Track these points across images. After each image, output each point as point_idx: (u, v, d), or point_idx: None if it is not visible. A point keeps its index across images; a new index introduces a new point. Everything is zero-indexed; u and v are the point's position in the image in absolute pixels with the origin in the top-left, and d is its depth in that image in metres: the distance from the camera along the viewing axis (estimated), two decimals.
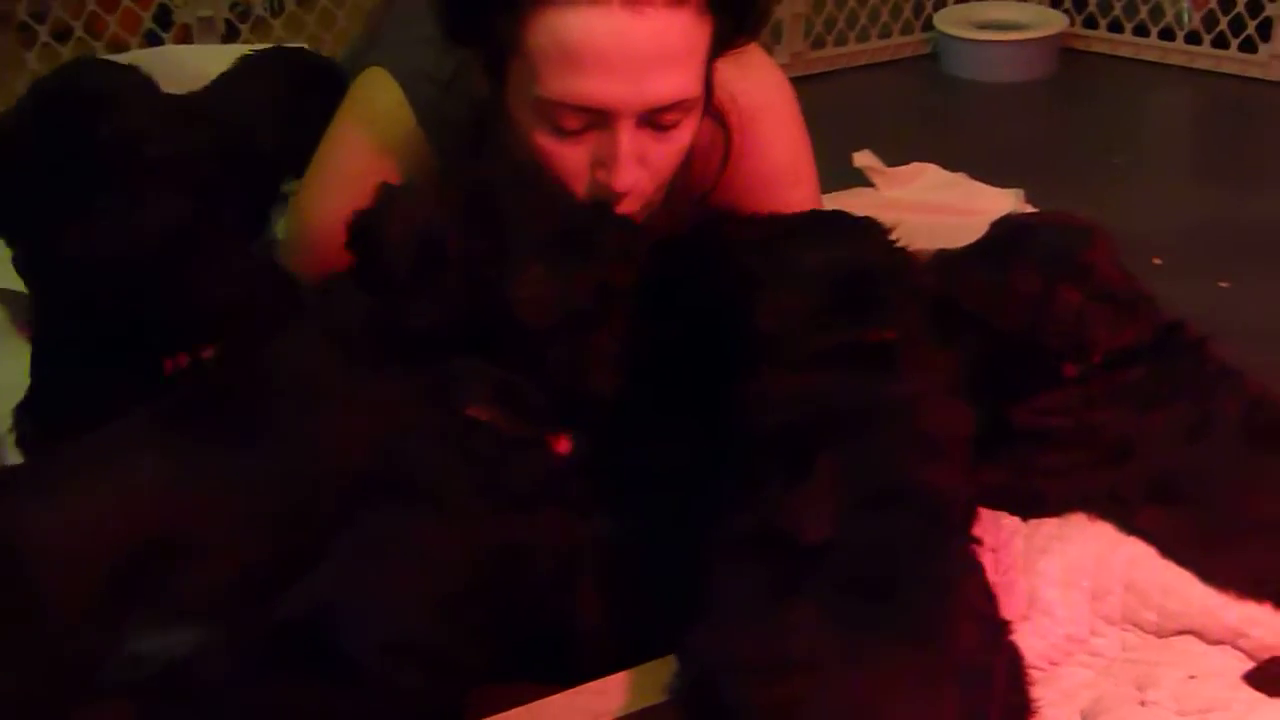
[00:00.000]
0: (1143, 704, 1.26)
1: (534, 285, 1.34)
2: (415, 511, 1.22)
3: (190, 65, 2.04)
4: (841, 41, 3.70)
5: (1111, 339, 1.39)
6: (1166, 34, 3.64)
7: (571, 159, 1.46)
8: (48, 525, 1.22)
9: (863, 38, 3.74)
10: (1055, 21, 3.68)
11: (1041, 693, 1.20)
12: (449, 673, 1.19)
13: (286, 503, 1.28)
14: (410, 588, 1.18)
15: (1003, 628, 1.14)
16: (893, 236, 1.38)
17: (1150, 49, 3.67)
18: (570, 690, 1.24)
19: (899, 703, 1.01)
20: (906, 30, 3.79)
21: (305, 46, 2.28)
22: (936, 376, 1.27)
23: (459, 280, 1.34)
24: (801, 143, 1.79)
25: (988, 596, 1.14)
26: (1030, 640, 1.29)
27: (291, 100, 1.91)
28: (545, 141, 1.46)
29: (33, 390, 1.59)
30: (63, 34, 2.96)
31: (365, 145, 1.68)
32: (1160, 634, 1.33)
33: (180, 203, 1.52)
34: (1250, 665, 1.30)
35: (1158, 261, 2.46)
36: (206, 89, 1.91)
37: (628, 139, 1.43)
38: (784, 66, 2.49)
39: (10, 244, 1.59)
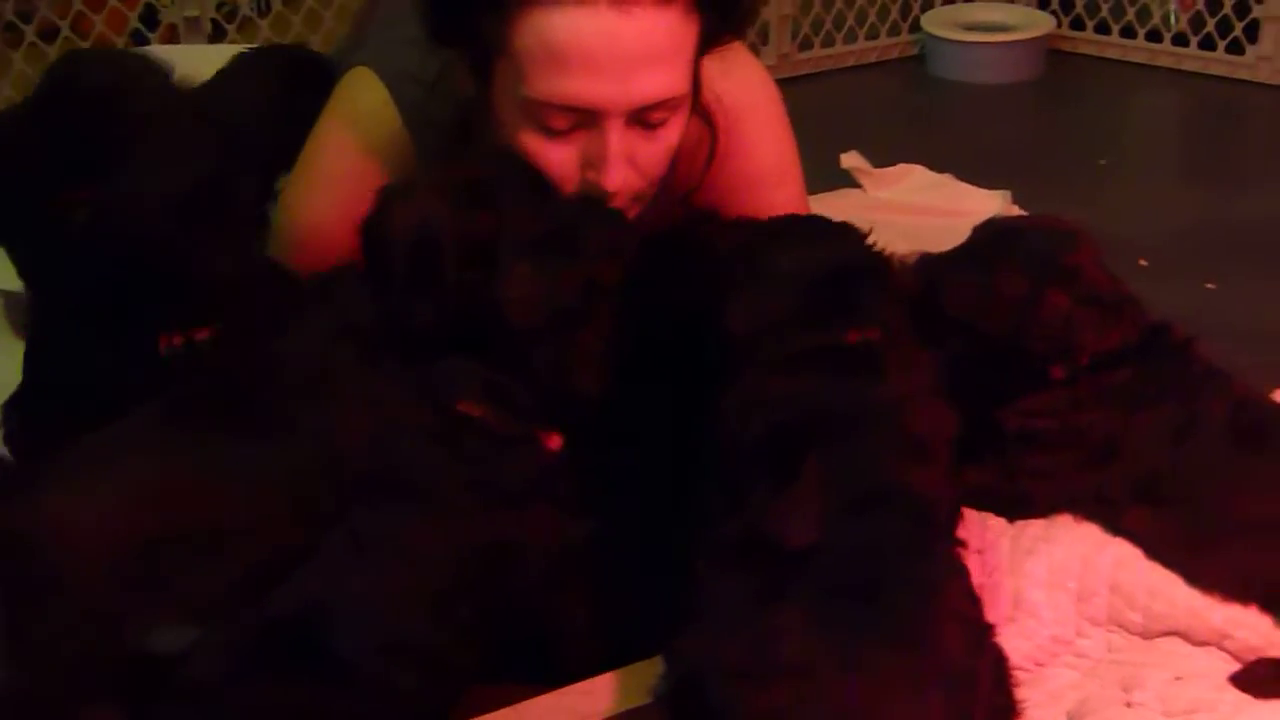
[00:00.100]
0: (1128, 705, 1.26)
1: (521, 284, 1.34)
2: (406, 509, 1.22)
3: (176, 66, 2.04)
4: (828, 43, 3.71)
5: (1098, 342, 1.39)
6: (1154, 36, 3.65)
7: (560, 159, 1.46)
8: (64, 517, 1.21)
9: (850, 39, 3.74)
10: (1042, 23, 3.69)
11: (1027, 694, 1.20)
12: (440, 672, 1.19)
13: (296, 498, 1.28)
14: (401, 586, 1.18)
15: (988, 630, 1.14)
16: (870, 240, 1.38)
17: (1137, 51, 3.68)
18: (556, 691, 1.24)
19: (885, 706, 1.01)
20: (893, 32, 3.80)
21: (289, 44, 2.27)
22: (920, 377, 1.27)
23: (452, 278, 1.34)
24: (787, 143, 1.79)
25: (972, 599, 1.14)
26: (1016, 642, 1.29)
27: (286, 98, 1.90)
28: (533, 142, 1.46)
29: (24, 388, 1.58)
30: (49, 34, 2.96)
31: (350, 145, 1.67)
32: (1146, 635, 1.34)
33: (182, 173, 1.52)
34: (1236, 667, 1.30)
35: (1144, 263, 2.46)
36: (202, 87, 1.91)
37: (617, 138, 1.43)
38: (771, 68, 2.49)
39: (14, 233, 1.59)
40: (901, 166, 2.82)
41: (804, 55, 3.67)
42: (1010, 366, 1.41)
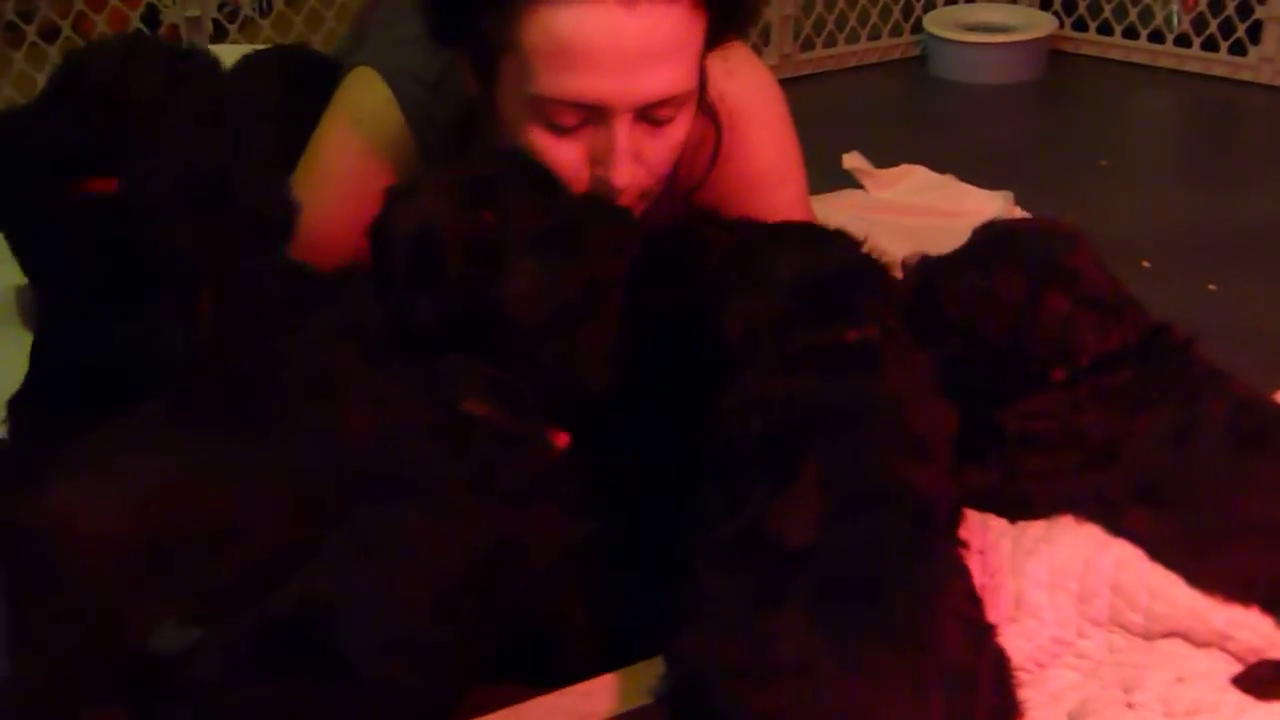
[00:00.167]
0: (1130, 706, 1.26)
1: (525, 280, 1.34)
2: (410, 507, 1.22)
3: None
4: (830, 43, 3.70)
5: (1098, 344, 1.39)
6: (1156, 37, 3.65)
7: (568, 156, 1.46)
8: (68, 514, 1.22)
9: (852, 40, 3.74)
10: (1044, 24, 3.69)
11: (1028, 695, 1.20)
12: (443, 671, 1.18)
13: (298, 497, 1.28)
14: (405, 585, 1.18)
15: (988, 630, 1.14)
16: (865, 245, 1.38)
17: (1140, 51, 3.68)
18: (556, 691, 1.24)
19: (885, 706, 1.01)
20: (895, 32, 3.80)
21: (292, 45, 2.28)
22: (919, 376, 1.27)
23: (456, 277, 1.34)
24: (789, 143, 1.79)
25: (973, 600, 1.14)
26: (1017, 642, 1.29)
27: (291, 99, 1.91)
28: (540, 139, 1.45)
29: (30, 383, 1.59)
30: (50, 34, 2.96)
31: (353, 145, 1.67)
32: (1147, 636, 1.33)
33: (213, 135, 1.53)
34: (1238, 668, 1.30)
35: (1146, 264, 2.46)
36: None
37: (624, 135, 1.43)
38: (773, 68, 2.49)
39: (22, 223, 1.60)
40: (903, 167, 2.82)
41: (806, 56, 3.67)
42: (1010, 368, 1.41)
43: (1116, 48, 3.72)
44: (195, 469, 1.27)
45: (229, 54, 1.99)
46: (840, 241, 1.40)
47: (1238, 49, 3.52)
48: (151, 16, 3.12)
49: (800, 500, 1.13)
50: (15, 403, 1.58)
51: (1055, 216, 1.57)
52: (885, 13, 3.78)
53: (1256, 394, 1.42)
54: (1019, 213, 2.55)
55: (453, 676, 1.20)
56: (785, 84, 1.83)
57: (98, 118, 1.53)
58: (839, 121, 3.20)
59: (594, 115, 1.43)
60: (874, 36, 3.77)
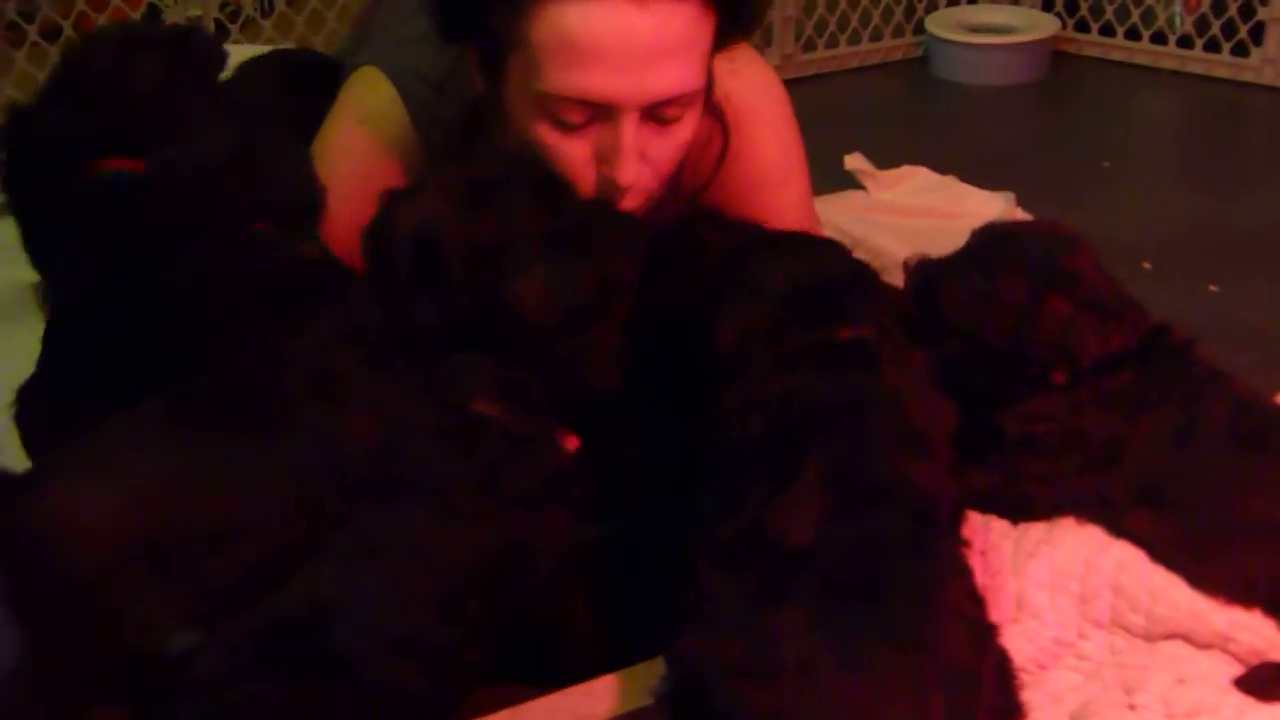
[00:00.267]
0: (1131, 708, 1.26)
1: (535, 281, 1.34)
2: (417, 507, 1.22)
3: None
4: (832, 44, 3.70)
5: (1099, 347, 1.39)
6: (1158, 38, 3.65)
7: (574, 154, 1.46)
8: (68, 514, 1.22)
9: (853, 40, 3.74)
10: (1047, 25, 3.69)
11: (1030, 696, 1.20)
12: (448, 672, 1.18)
13: (299, 497, 1.28)
14: (411, 585, 1.18)
15: (991, 630, 1.14)
16: (855, 251, 1.40)
17: (1142, 53, 3.68)
18: (558, 692, 1.24)
19: (886, 706, 1.01)
20: (897, 33, 3.80)
21: (294, 47, 2.28)
22: (916, 372, 1.27)
23: (460, 278, 1.34)
24: (793, 143, 1.79)
25: (976, 599, 1.14)
26: (1018, 644, 1.29)
27: (292, 100, 1.91)
28: (547, 136, 1.45)
29: (39, 373, 1.60)
30: (52, 33, 2.96)
31: (358, 144, 1.67)
32: (1149, 638, 1.33)
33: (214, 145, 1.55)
34: (1239, 669, 1.30)
35: (1148, 266, 2.46)
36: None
37: (631, 133, 1.43)
38: (774, 69, 2.49)
39: (35, 210, 1.61)
40: (905, 168, 2.82)
41: (807, 56, 3.67)
42: (1010, 371, 1.41)
43: (1119, 49, 3.72)
44: (196, 468, 1.27)
45: (230, 54, 2.00)
46: (832, 250, 1.41)
47: (1240, 50, 3.52)
48: (153, 16, 3.12)
49: (801, 499, 1.13)
50: (25, 392, 1.59)
51: (1056, 218, 1.57)
52: (887, 14, 3.78)
53: (1257, 395, 1.42)
54: (1021, 214, 2.56)
55: (456, 677, 1.20)
56: (787, 85, 1.83)
57: (99, 104, 1.55)
58: (840, 122, 3.20)
59: (601, 113, 1.42)
60: (876, 37, 3.77)
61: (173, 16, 3.09)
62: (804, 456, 1.16)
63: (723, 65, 1.55)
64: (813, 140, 1.83)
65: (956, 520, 1.21)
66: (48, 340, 1.62)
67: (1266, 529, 1.32)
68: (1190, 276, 2.44)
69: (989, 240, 1.47)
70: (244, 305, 1.49)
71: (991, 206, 2.58)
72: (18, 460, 1.56)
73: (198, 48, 1.65)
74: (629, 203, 1.48)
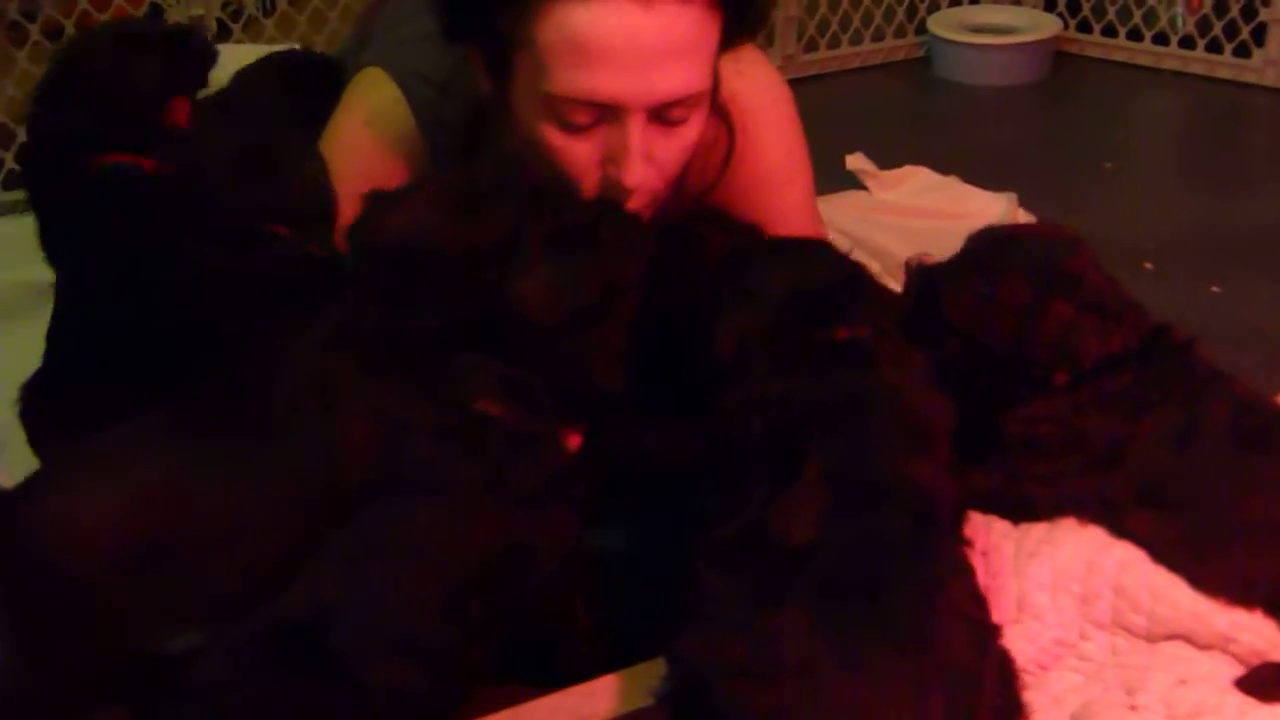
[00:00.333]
0: (1132, 708, 1.26)
1: (538, 282, 1.34)
2: (421, 507, 1.22)
3: None
4: (834, 44, 3.70)
5: (1101, 348, 1.39)
6: (1160, 38, 3.65)
7: (580, 155, 1.46)
8: (68, 518, 1.22)
9: (855, 41, 3.74)
10: (1048, 25, 3.68)
11: (1031, 697, 1.20)
12: (450, 673, 1.18)
13: (298, 500, 1.28)
14: (414, 585, 1.18)
15: (993, 630, 1.14)
16: (852, 254, 1.41)
17: (1144, 53, 3.68)
18: (559, 692, 1.24)
19: (886, 706, 1.01)
20: (899, 33, 3.79)
21: (297, 47, 2.28)
22: (914, 371, 1.28)
23: (458, 279, 1.34)
24: (797, 143, 1.79)
25: (977, 599, 1.14)
26: (1019, 644, 1.29)
27: (293, 100, 1.91)
28: (553, 137, 1.45)
29: (44, 369, 1.60)
30: (54, 32, 2.95)
31: (362, 144, 1.67)
32: (1150, 638, 1.33)
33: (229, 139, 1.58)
34: (1240, 670, 1.30)
35: (1149, 266, 2.46)
36: (213, 96, 1.92)
37: (638, 134, 1.43)
38: (777, 69, 2.49)
39: (50, 199, 1.61)
40: (906, 168, 2.82)
41: (809, 57, 3.67)
42: (1011, 373, 1.41)
43: (1121, 49, 3.71)
44: (195, 470, 1.27)
45: (232, 54, 2.00)
46: (829, 255, 1.42)
47: (1242, 51, 3.51)
48: (156, 15, 3.11)
49: (803, 499, 1.13)
50: (30, 388, 1.60)
51: (1058, 218, 1.57)
52: (889, 14, 3.78)
53: (1258, 395, 1.42)
54: (1023, 214, 2.56)
55: (458, 678, 1.20)
56: (789, 85, 1.83)
57: (96, 101, 1.55)
58: (842, 123, 3.20)
59: (607, 114, 1.42)
60: (878, 38, 3.77)
61: (175, 16, 3.08)
62: (804, 456, 1.16)
63: (728, 66, 1.55)
64: (814, 140, 1.83)
65: (957, 520, 1.21)
66: (53, 336, 1.63)
67: (1268, 529, 1.32)
68: (1192, 277, 2.44)
69: (989, 244, 1.47)
70: (248, 303, 1.50)
71: (994, 207, 2.58)
72: (23, 456, 1.57)
73: (196, 47, 1.66)
74: (635, 204, 1.48)
